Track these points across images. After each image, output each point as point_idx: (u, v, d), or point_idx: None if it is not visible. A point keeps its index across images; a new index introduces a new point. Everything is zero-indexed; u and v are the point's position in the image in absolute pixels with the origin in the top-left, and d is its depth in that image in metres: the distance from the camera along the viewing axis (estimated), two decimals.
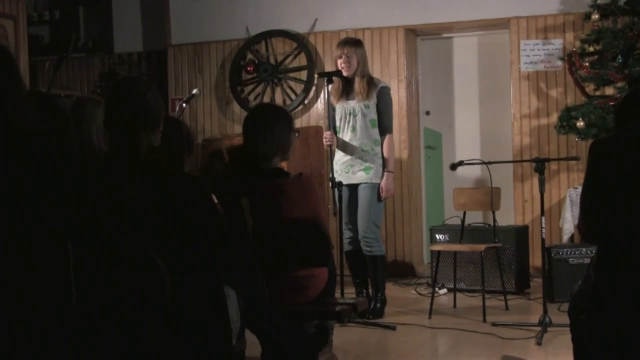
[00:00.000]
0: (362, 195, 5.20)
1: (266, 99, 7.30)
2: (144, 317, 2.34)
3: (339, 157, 5.29)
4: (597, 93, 6.09)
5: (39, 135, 2.27)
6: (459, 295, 5.71)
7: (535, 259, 6.23)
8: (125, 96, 2.55)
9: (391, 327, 4.89)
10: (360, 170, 5.21)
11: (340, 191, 5.04)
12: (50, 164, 2.25)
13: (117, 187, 2.40)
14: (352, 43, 5.27)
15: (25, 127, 2.17)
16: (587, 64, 5.88)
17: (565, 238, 6.03)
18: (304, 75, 7.33)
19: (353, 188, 5.24)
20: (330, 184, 5.10)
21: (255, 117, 3.50)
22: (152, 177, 2.46)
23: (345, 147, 5.26)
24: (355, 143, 5.22)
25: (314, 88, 7.31)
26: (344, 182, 5.16)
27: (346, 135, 5.25)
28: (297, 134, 3.59)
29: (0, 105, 2.12)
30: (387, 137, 5.25)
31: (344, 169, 5.26)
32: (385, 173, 5.21)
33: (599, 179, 2.61)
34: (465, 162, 5.21)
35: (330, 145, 5.21)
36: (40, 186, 2.22)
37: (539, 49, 6.73)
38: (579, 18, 6.43)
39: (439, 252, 5.46)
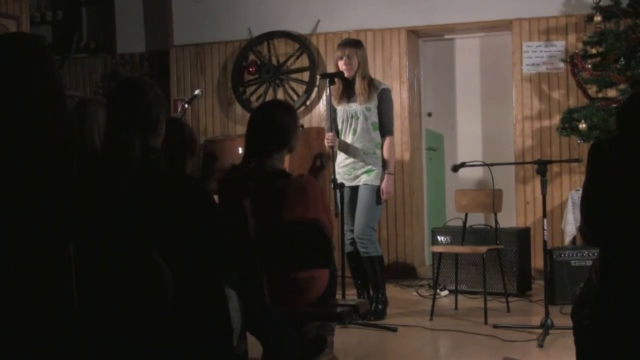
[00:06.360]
0: (361, 196, 5.20)
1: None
2: (145, 317, 2.34)
3: (341, 159, 5.29)
4: (600, 95, 6.08)
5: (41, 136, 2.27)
6: (460, 297, 5.71)
7: (537, 261, 6.22)
8: (126, 96, 2.55)
9: (392, 329, 4.89)
10: (362, 172, 5.21)
11: (342, 192, 5.04)
12: (52, 164, 2.25)
13: (113, 187, 2.39)
14: (353, 44, 5.27)
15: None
16: (589, 65, 5.88)
17: (567, 240, 6.02)
18: (306, 76, 7.33)
19: (354, 190, 5.24)
20: (332, 185, 5.10)
21: (259, 112, 3.52)
22: (152, 178, 2.46)
23: (347, 149, 5.26)
24: (357, 146, 5.22)
25: (316, 89, 7.31)
26: (346, 184, 5.16)
27: (348, 138, 5.25)
28: (301, 128, 3.60)
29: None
30: (387, 139, 5.25)
31: (346, 171, 5.25)
32: (386, 175, 5.22)
33: (599, 180, 2.59)
34: (467, 163, 5.21)
35: (332, 147, 5.21)
36: (43, 186, 2.22)
37: (541, 51, 6.72)
38: (581, 20, 6.43)
39: (440, 253, 5.45)
